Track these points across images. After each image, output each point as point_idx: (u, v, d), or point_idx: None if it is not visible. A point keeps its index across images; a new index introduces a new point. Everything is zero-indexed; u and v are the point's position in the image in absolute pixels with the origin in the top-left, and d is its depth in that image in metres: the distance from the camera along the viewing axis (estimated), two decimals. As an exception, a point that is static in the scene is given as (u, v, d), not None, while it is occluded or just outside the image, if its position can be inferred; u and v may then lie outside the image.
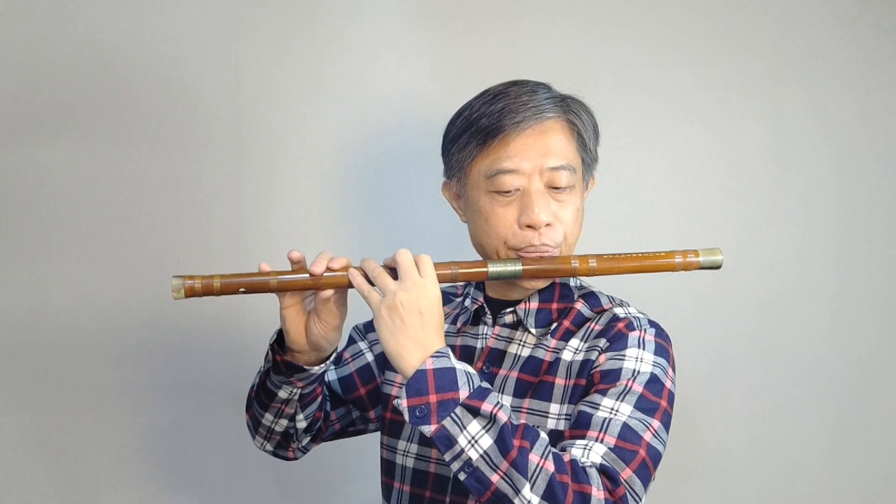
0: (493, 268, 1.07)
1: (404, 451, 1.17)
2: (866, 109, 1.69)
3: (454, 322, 1.22)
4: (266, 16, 1.55)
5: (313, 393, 1.17)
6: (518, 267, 1.07)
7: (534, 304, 1.14)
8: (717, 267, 1.10)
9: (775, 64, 1.67)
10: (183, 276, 1.04)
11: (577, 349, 1.09)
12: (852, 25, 1.68)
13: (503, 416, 0.92)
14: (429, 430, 0.92)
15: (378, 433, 1.27)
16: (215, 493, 1.59)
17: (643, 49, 1.64)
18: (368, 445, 1.35)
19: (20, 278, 1.51)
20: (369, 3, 1.58)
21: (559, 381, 1.07)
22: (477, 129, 1.10)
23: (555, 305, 1.15)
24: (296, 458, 1.27)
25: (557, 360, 1.09)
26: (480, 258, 1.17)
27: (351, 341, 1.30)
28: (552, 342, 1.11)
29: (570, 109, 1.13)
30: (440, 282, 1.02)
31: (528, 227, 1.08)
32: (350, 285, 1.04)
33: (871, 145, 1.70)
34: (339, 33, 1.57)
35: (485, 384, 0.96)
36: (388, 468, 1.20)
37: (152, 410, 1.56)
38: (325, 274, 1.04)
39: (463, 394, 0.93)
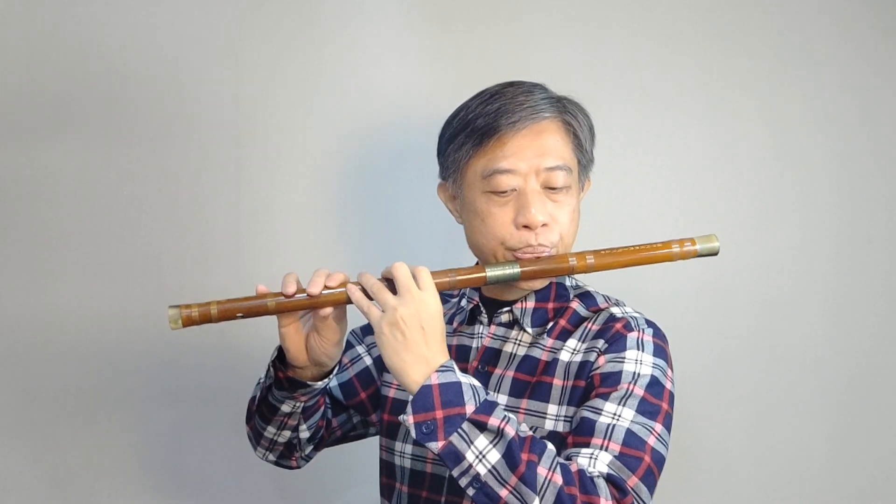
0: (492, 272, 1.06)
1: (401, 452, 1.17)
2: (866, 109, 1.69)
3: (450, 322, 1.22)
4: (266, 16, 1.55)
5: (316, 404, 1.16)
6: (516, 269, 1.06)
7: (530, 304, 1.14)
8: (715, 253, 1.10)
9: (775, 64, 1.67)
10: (179, 305, 1.03)
11: (574, 349, 1.09)
12: (852, 25, 1.68)
13: (511, 431, 0.92)
14: (436, 446, 0.92)
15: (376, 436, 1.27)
16: (216, 499, 1.59)
17: (643, 49, 1.64)
18: (368, 450, 1.35)
19: (19, 278, 1.51)
20: (369, 4, 1.58)
21: (557, 382, 1.07)
22: (473, 129, 1.10)
23: (551, 305, 1.15)
24: (299, 467, 1.27)
25: (555, 360, 1.09)
26: (477, 261, 1.17)
27: (349, 346, 1.29)
28: (548, 341, 1.11)
29: (567, 110, 1.12)
30: (439, 290, 1.02)
31: (525, 227, 1.07)
32: (349, 301, 1.03)
33: (871, 145, 1.70)
34: (339, 33, 1.57)
35: (490, 397, 0.96)
36: (388, 469, 1.20)
37: (153, 416, 1.56)
38: (322, 292, 1.03)
39: (469, 408, 0.93)
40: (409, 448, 1.16)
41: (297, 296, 1.03)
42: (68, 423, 1.54)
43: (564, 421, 1.05)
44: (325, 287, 1.03)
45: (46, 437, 1.54)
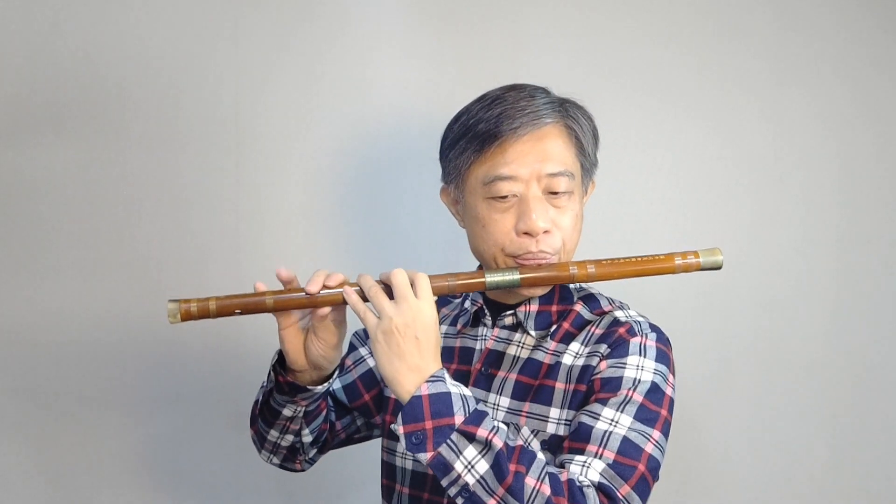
0: (491, 278, 1.05)
1: (403, 454, 1.17)
2: (867, 109, 1.69)
3: (454, 323, 1.22)
4: (266, 16, 1.55)
5: (318, 408, 1.16)
6: (516, 276, 1.06)
7: (534, 307, 1.14)
8: (718, 268, 1.09)
9: (775, 64, 1.66)
10: (178, 300, 1.02)
11: (577, 353, 1.09)
12: (852, 25, 1.68)
13: (499, 442, 0.92)
14: (425, 457, 0.93)
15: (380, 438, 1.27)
16: (218, 501, 1.59)
17: (643, 49, 1.64)
18: (369, 452, 1.35)
19: (19, 278, 1.51)
20: (369, 3, 1.58)
21: (559, 386, 1.07)
22: (474, 134, 1.08)
23: (554, 307, 1.14)
24: (303, 470, 1.27)
25: (558, 363, 1.09)
26: (479, 266, 1.16)
27: (352, 348, 1.30)
28: (552, 344, 1.11)
29: (569, 114, 1.11)
30: (437, 295, 1.01)
31: (526, 234, 1.07)
32: (346, 302, 1.03)
33: (872, 145, 1.70)
34: (339, 33, 1.57)
35: (480, 407, 0.96)
36: (389, 471, 1.20)
37: (153, 416, 1.56)
38: (321, 292, 1.03)
39: (458, 419, 0.93)
40: (410, 450, 1.16)
41: (294, 294, 1.03)
42: (68, 424, 1.53)
43: (566, 425, 1.05)
44: (324, 287, 1.03)
45: (46, 436, 1.53)
